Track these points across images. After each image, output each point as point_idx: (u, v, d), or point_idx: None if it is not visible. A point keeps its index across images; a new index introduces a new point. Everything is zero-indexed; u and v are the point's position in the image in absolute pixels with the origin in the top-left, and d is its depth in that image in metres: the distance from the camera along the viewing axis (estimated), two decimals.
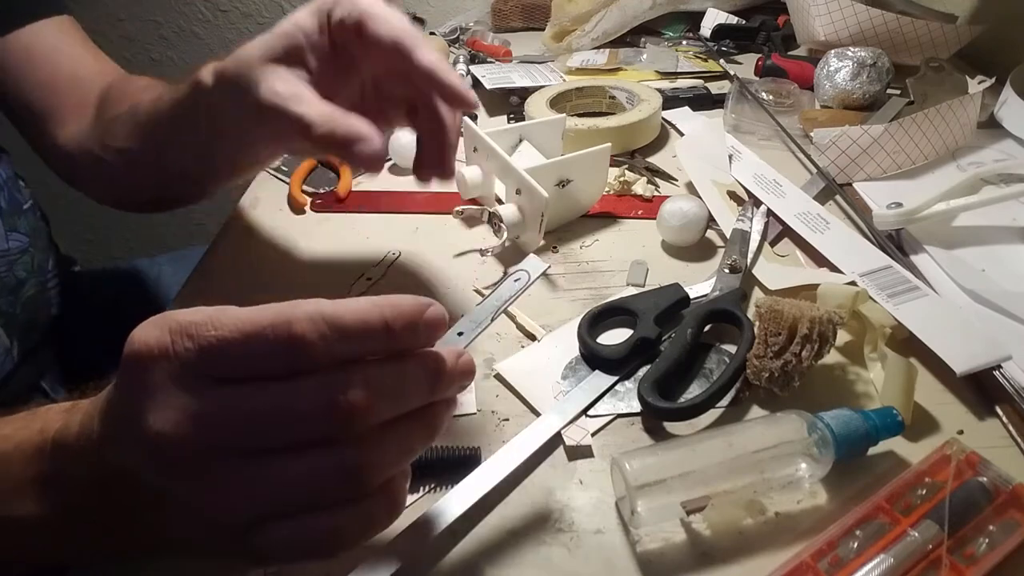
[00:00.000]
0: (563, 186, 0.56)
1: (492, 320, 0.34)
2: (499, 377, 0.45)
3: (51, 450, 0.31)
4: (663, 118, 0.74)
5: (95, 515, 0.31)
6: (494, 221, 0.53)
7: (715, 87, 0.82)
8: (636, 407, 0.42)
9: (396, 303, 0.28)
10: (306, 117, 0.38)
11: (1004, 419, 0.40)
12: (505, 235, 0.53)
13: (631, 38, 0.98)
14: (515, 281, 0.37)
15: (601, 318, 0.48)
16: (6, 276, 0.59)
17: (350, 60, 0.42)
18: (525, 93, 0.78)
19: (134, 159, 0.53)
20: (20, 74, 0.59)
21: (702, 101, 0.79)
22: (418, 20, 1.04)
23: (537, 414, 0.42)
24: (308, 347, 0.26)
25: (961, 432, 0.40)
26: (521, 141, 0.63)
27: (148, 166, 0.53)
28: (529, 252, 0.54)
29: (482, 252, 0.53)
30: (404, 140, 0.67)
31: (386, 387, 0.28)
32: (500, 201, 0.56)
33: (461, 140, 0.46)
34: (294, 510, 0.27)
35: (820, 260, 0.53)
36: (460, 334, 0.33)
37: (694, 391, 0.43)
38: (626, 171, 0.65)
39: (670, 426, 0.41)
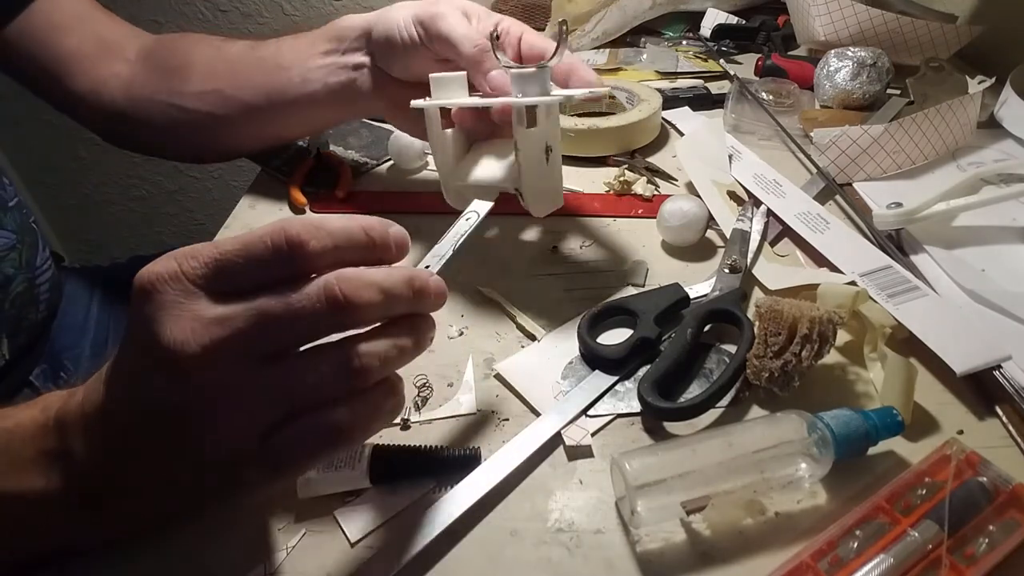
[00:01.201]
0: (548, 152, 0.48)
1: (453, 251, 0.39)
2: (499, 377, 0.45)
3: (54, 427, 0.32)
4: (663, 118, 0.74)
5: (104, 487, 0.32)
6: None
7: (715, 87, 0.82)
8: (636, 407, 0.42)
9: (367, 218, 0.32)
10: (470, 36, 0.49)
11: (1004, 419, 0.40)
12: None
13: (631, 38, 0.98)
14: (467, 220, 0.40)
15: (601, 318, 0.48)
16: None
17: None
18: None
19: (223, 100, 0.59)
20: (48, 47, 0.60)
21: (702, 101, 0.79)
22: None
23: (537, 414, 0.42)
24: (303, 247, 0.29)
25: (961, 432, 0.40)
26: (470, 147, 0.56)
27: (246, 112, 0.60)
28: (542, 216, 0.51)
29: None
30: (404, 141, 0.67)
31: (375, 283, 0.30)
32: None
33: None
34: (305, 409, 0.30)
35: (820, 260, 0.53)
36: (427, 267, 0.36)
37: (694, 391, 0.43)
38: (626, 171, 0.65)
39: (670, 426, 0.41)
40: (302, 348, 0.30)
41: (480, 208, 0.41)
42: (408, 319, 0.32)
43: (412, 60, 0.52)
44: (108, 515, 0.33)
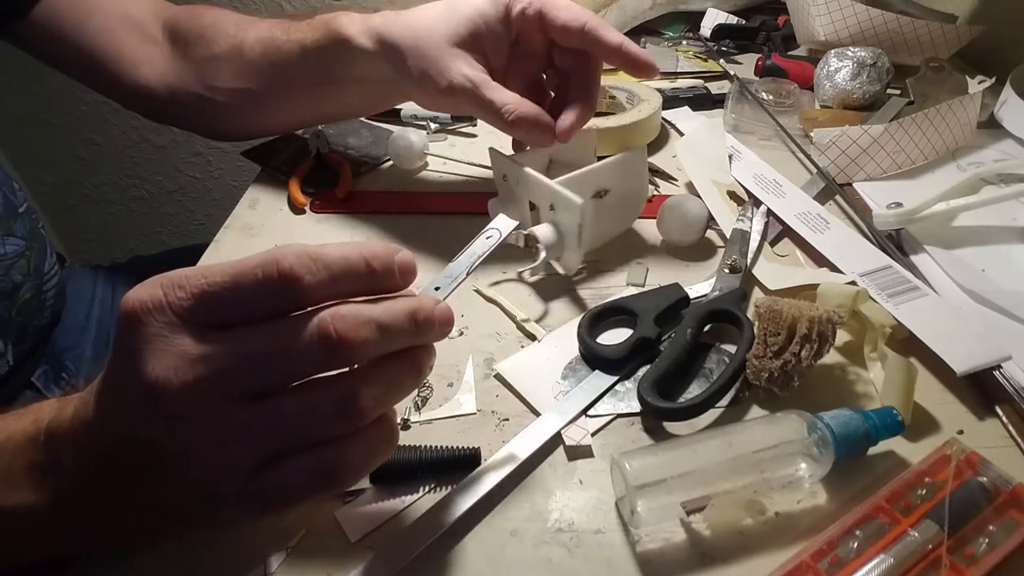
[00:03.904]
0: (601, 196, 0.52)
1: (467, 274, 0.36)
2: (499, 377, 0.45)
3: (45, 439, 0.31)
4: (663, 118, 0.74)
5: (91, 500, 0.31)
6: (530, 243, 0.50)
7: (715, 87, 0.82)
8: (636, 407, 0.42)
9: (371, 246, 0.29)
10: (498, 102, 0.47)
11: (1004, 419, 0.40)
12: (543, 255, 0.49)
13: (631, 38, 0.97)
14: (487, 239, 0.38)
15: (601, 318, 0.48)
16: (2, 280, 0.58)
17: (527, 47, 0.51)
18: None
19: (253, 99, 0.58)
20: (77, 27, 0.60)
21: (702, 101, 0.79)
22: None
23: (537, 414, 0.42)
24: (296, 282, 0.27)
25: (961, 432, 0.40)
26: (550, 163, 0.58)
27: (273, 108, 0.59)
28: (569, 273, 0.52)
29: (519, 274, 0.52)
30: (404, 141, 0.67)
31: (373, 320, 0.28)
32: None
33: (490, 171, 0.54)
34: (295, 448, 0.28)
35: (820, 260, 0.53)
36: (437, 288, 0.34)
37: (694, 391, 0.43)
38: None
39: (670, 426, 0.41)
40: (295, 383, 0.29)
41: (503, 226, 0.39)
42: (409, 351, 0.31)
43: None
44: (95, 528, 0.33)
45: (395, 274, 0.30)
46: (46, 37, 0.60)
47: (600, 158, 0.55)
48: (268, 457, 0.28)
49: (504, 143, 0.56)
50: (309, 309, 0.28)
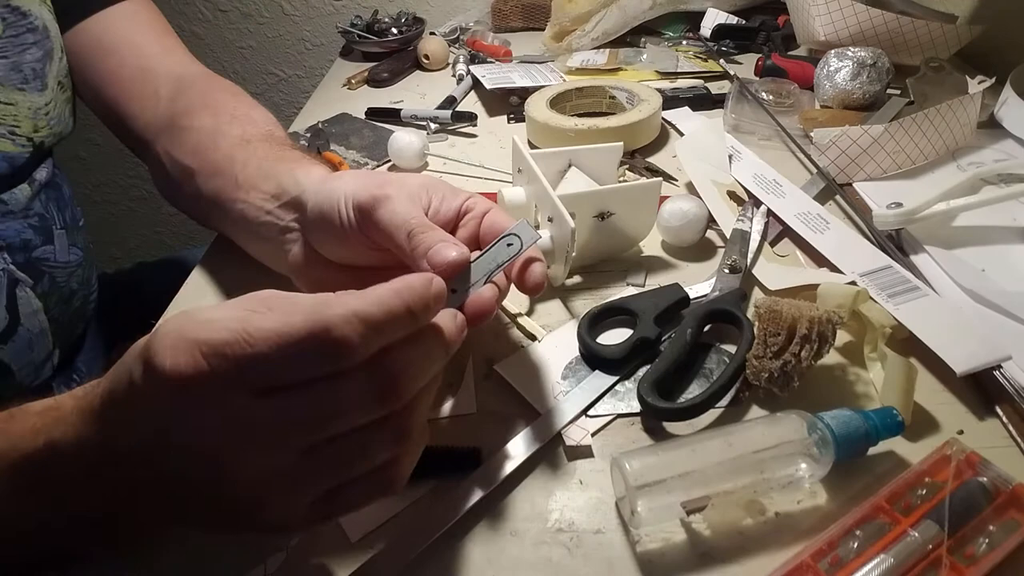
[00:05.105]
0: (603, 219, 0.51)
1: (485, 282, 0.36)
2: (499, 377, 0.45)
3: (52, 459, 0.31)
4: (663, 118, 0.74)
5: (97, 507, 0.32)
6: None
7: (715, 87, 0.82)
8: (636, 407, 0.42)
9: (411, 285, 0.30)
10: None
11: (1004, 419, 0.40)
12: None
13: (631, 38, 0.98)
14: (508, 246, 0.37)
15: (601, 318, 0.48)
16: (64, 287, 0.61)
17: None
18: (525, 93, 0.78)
19: (192, 179, 0.54)
20: (91, 65, 0.60)
21: (702, 101, 0.79)
22: (418, 20, 1.04)
23: (537, 414, 0.42)
24: (350, 349, 0.28)
25: (961, 432, 0.40)
26: (570, 167, 0.57)
27: (193, 204, 0.55)
28: (555, 286, 0.52)
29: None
30: (403, 140, 0.67)
31: (418, 368, 0.30)
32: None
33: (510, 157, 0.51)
34: (356, 475, 0.30)
35: (820, 260, 0.53)
36: (454, 291, 0.34)
37: (694, 391, 0.43)
38: (626, 171, 0.65)
39: (670, 426, 0.41)
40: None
41: (525, 235, 0.37)
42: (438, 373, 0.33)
43: (349, 245, 0.42)
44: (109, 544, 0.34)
45: (431, 310, 0.31)
46: (74, 63, 0.61)
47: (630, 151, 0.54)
48: (330, 489, 0.30)
49: (505, 150, 0.56)
50: (360, 364, 0.29)
